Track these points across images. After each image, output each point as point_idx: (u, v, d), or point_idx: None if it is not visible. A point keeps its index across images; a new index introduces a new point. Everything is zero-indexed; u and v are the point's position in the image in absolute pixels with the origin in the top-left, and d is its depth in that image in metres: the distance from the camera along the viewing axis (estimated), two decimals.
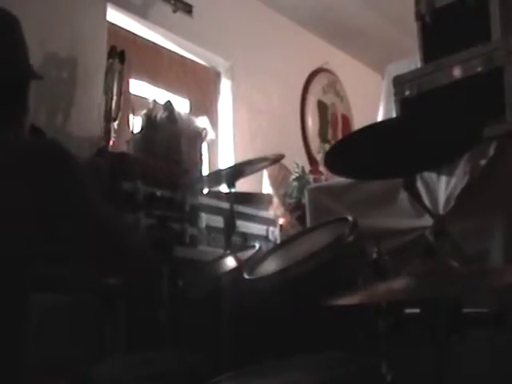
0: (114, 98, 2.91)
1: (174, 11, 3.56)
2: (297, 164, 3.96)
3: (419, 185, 2.12)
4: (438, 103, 2.13)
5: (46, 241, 1.40)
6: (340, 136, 4.84)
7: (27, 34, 1.48)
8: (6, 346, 1.30)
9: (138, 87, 3.46)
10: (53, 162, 1.39)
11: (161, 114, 2.99)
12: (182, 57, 3.86)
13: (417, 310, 1.24)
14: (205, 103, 3.97)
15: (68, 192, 1.40)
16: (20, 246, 1.35)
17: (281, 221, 3.52)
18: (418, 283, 1.15)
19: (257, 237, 3.10)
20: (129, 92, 3.32)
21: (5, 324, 1.31)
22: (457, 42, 2.16)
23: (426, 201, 2.13)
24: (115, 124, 2.89)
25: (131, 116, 3.03)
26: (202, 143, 3.12)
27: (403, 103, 2.24)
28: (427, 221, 2.11)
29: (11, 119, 1.46)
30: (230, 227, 2.43)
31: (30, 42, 1.50)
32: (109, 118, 2.89)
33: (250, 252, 2.06)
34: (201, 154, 3.11)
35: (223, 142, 3.99)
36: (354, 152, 1.39)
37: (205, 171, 3.19)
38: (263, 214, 3.29)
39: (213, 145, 3.67)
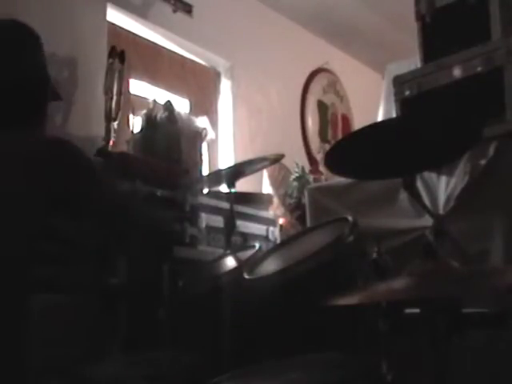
0: (114, 97, 2.91)
1: (174, 11, 3.56)
2: (297, 164, 3.96)
3: (419, 185, 2.12)
4: (438, 103, 2.13)
5: (49, 238, 1.42)
6: (340, 136, 4.84)
7: None
8: (6, 347, 1.30)
9: (138, 87, 3.46)
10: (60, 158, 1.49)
11: (161, 114, 2.99)
12: (182, 57, 3.86)
13: (417, 310, 1.24)
14: (205, 103, 3.97)
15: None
16: (26, 241, 1.37)
17: (281, 221, 3.52)
18: (417, 283, 1.15)
19: (257, 237, 3.10)
20: (129, 92, 3.32)
21: (5, 324, 1.31)
22: (457, 41, 2.16)
23: (426, 201, 2.13)
24: (115, 124, 2.89)
25: (131, 116, 3.03)
26: (201, 143, 3.12)
27: (403, 103, 2.24)
28: (427, 221, 2.11)
29: (31, 120, 1.52)
30: (229, 227, 2.43)
31: None
32: (109, 118, 2.89)
33: (250, 252, 2.06)
34: (201, 154, 3.11)
35: (223, 142, 3.99)
36: (354, 152, 1.39)
37: (205, 171, 3.19)
38: (263, 213, 3.29)
39: (213, 145, 3.67)
